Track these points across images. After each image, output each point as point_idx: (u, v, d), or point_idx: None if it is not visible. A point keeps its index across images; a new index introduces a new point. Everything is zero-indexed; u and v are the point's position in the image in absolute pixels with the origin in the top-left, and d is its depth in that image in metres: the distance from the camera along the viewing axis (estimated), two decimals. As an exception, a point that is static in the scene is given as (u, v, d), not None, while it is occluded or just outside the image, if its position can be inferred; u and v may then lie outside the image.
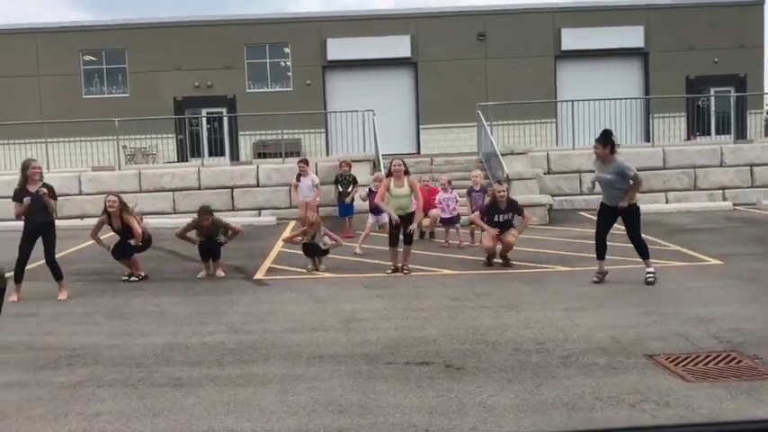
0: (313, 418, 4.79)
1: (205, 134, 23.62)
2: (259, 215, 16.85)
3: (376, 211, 12.37)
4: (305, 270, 10.23)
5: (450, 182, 12.74)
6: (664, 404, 4.87)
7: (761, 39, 25.40)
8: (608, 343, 6.29)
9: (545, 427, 4.54)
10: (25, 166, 8.87)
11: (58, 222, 9.15)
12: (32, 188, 8.69)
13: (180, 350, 6.46)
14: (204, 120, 23.82)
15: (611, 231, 9.01)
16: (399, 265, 9.88)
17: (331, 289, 9.01)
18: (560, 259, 10.57)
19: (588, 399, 5.00)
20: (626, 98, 20.04)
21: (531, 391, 5.16)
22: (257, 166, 17.54)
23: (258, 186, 17.15)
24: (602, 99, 18.47)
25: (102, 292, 9.28)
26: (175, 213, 16.47)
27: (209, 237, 10.10)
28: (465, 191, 12.90)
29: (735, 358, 5.79)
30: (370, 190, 12.73)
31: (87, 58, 25.52)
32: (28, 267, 8.91)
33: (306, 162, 14.05)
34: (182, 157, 23.27)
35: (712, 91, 24.12)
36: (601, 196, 8.97)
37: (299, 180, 13.97)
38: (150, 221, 12.12)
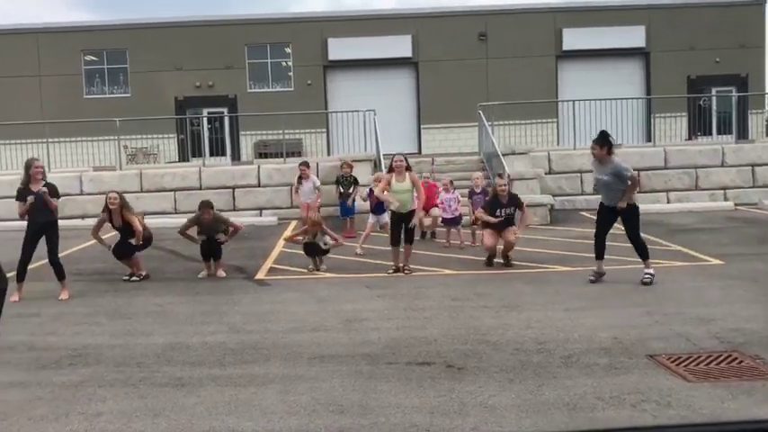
0: (314, 418, 4.79)
1: (206, 134, 23.62)
2: (260, 215, 16.86)
3: (377, 210, 12.38)
4: (306, 270, 10.23)
5: (452, 182, 12.73)
6: (665, 404, 4.87)
7: (762, 38, 25.38)
8: (609, 343, 6.29)
9: (546, 427, 4.54)
10: (28, 166, 8.91)
11: (59, 222, 9.16)
12: (35, 187, 8.72)
13: (181, 350, 6.46)
14: (205, 120, 23.81)
15: (612, 231, 9.01)
16: (401, 265, 9.88)
17: (332, 289, 9.01)
18: (561, 259, 10.57)
19: (589, 399, 4.99)
20: (627, 98, 20.02)
21: (533, 392, 5.15)
22: (258, 166, 17.55)
23: (259, 186, 17.16)
24: (604, 99, 18.46)
25: (103, 291, 9.28)
26: (177, 213, 16.47)
27: (210, 236, 10.11)
28: (466, 192, 12.89)
29: (736, 358, 5.79)
30: (370, 190, 12.73)
31: (88, 58, 25.54)
32: (30, 267, 8.92)
33: (307, 165, 14.06)
34: (183, 157, 23.29)
35: (714, 91, 24.10)
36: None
37: (300, 183, 13.98)
38: (151, 221, 12.13)
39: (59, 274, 8.87)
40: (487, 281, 9.33)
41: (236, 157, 23.62)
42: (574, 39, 25.08)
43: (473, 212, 12.11)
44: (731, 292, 8.17)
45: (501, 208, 10.04)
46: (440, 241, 12.55)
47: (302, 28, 25.17)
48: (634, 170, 17.44)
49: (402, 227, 9.77)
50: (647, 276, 8.60)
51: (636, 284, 8.55)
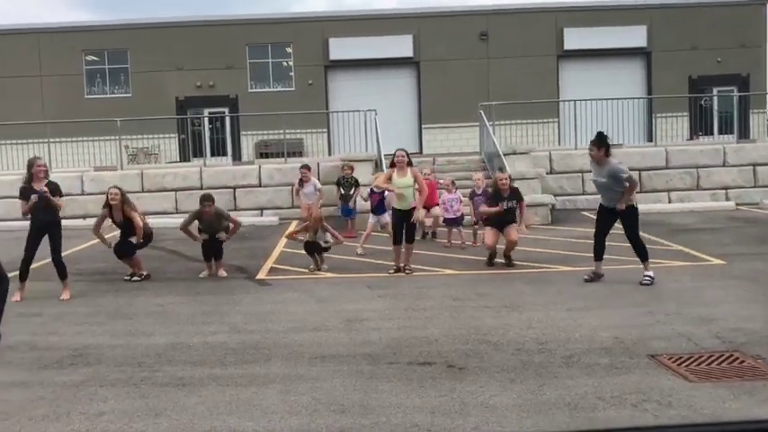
0: (315, 417, 4.79)
1: (207, 134, 23.62)
2: (261, 215, 16.85)
3: (377, 211, 12.38)
4: (307, 270, 10.24)
5: (453, 182, 12.72)
6: (666, 404, 4.87)
7: (764, 38, 25.35)
8: (611, 343, 6.29)
9: (547, 427, 4.54)
10: (30, 164, 8.94)
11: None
12: (38, 186, 8.76)
13: (182, 350, 6.47)
14: (206, 120, 23.82)
15: (612, 231, 9.00)
16: (402, 264, 9.87)
17: (333, 289, 9.01)
18: (563, 259, 10.56)
19: (591, 399, 4.99)
20: (629, 98, 19.99)
21: (534, 392, 5.15)
22: (259, 166, 17.55)
23: (260, 186, 17.16)
24: (605, 99, 18.44)
25: (104, 291, 9.29)
26: (178, 213, 16.46)
27: (211, 234, 10.09)
28: (468, 192, 12.88)
29: (737, 358, 5.78)
30: (371, 190, 12.73)
31: (89, 58, 25.54)
32: (32, 267, 8.93)
33: (308, 168, 14.08)
34: (184, 157, 23.28)
35: (715, 90, 24.06)
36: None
37: (301, 186, 14.00)
38: (153, 221, 12.11)
39: (61, 273, 8.88)
40: (489, 281, 9.32)
41: (237, 157, 23.61)
42: (575, 38, 25.06)
43: (474, 213, 12.11)
44: (732, 292, 8.17)
45: (502, 201, 10.03)
46: (441, 241, 12.55)
47: (303, 28, 25.17)
48: (634, 170, 17.55)
49: (404, 225, 9.74)
50: (646, 278, 8.59)
51: (637, 285, 8.55)
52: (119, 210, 9.67)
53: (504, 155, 15.86)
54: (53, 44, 24.79)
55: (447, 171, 15.76)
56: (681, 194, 17.40)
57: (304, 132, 22.72)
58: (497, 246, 10.19)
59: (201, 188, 16.86)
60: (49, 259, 9.01)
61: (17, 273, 8.69)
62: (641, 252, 8.73)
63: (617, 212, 8.70)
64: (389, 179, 9.80)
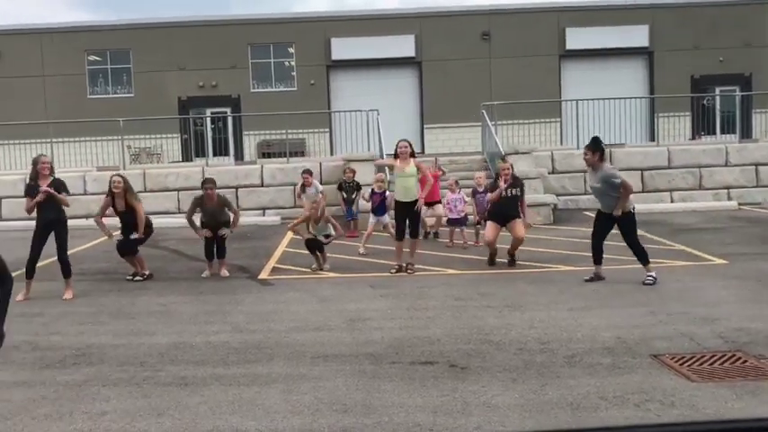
0: (317, 417, 4.79)
1: (209, 134, 23.65)
2: (263, 215, 16.86)
3: (378, 211, 12.40)
4: (309, 270, 10.24)
5: (457, 182, 12.71)
6: (669, 404, 4.86)
7: (766, 38, 25.31)
8: (613, 343, 6.28)
9: (549, 427, 4.54)
10: (35, 162, 9.03)
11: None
12: (43, 183, 8.82)
13: (185, 349, 6.47)
14: (209, 119, 23.84)
15: (612, 231, 8.98)
16: (404, 264, 9.86)
17: (335, 288, 9.02)
18: (565, 259, 10.56)
19: (593, 398, 4.99)
20: (631, 97, 19.97)
21: (536, 391, 5.15)
22: (261, 166, 17.56)
23: (262, 186, 17.17)
24: (607, 98, 18.44)
25: (107, 291, 9.30)
26: (180, 213, 16.45)
27: (214, 228, 10.05)
28: (470, 191, 12.88)
29: (740, 358, 5.78)
30: (372, 191, 12.76)
31: (92, 58, 25.57)
32: (36, 265, 8.94)
33: (309, 173, 14.12)
34: (186, 157, 23.28)
35: (717, 90, 24.02)
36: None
37: (303, 190, 14.05)
38: (155, 221, 12.13)
39: (66, 271, 8.89)
40: (491, 281, 9.32)
41: (239, 156, 23.63)
42: (577, 38, 25.03)
43: (476, 212, 12.09)
44: (735, 292, 8.16)
45: (506, 189, 9.98)
46: (443, 241, 12.55)
47: (305, 28, 25.17)
48: (637, 170, 17.56)
49: (407, 219, 9.69)
50: (648, 279, 8.58)
51: (639, 284, 8.54)
52: (121, 198, 9.66)
53: (506, 155, 15.84)
54: (56, 44, 24.81)
55: (449, 171, 15.74)
56: (683, 194, 17.38)
57: (306, 132, 22.71)
58: (500, 245, 10.18)
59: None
60: (53, 259, 9.03)
61: (22, 271, 8.72)
62: (641, 256, 8.72)
63: (614, 218, 8.70)
64: (392, 167, 9.76)
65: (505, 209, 9.96)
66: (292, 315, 7.67)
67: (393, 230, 10.64)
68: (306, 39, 25.07)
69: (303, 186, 14.03)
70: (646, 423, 3.98)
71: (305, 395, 5.19)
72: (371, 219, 12.43)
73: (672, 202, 17.23)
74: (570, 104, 20.03)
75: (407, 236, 9.89)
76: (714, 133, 22.08)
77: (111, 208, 9.85)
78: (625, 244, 8.88)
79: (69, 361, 6.21)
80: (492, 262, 10.19)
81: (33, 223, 9.07)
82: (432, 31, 25.08)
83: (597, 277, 8.87)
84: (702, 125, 22.00)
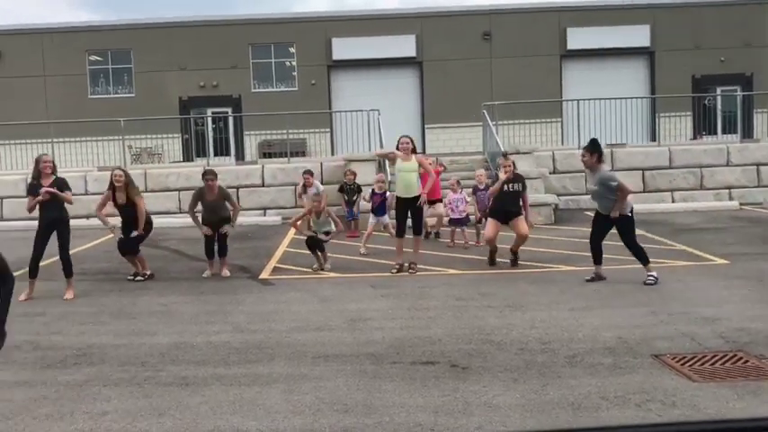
0: (318, 417, 4.79)
1: (210, 134, 23.66)
2: (264, 215, 16.87)
3: (378, 212, 12.40)
4: (310, 270, 10.24)
5: (458, 182, 12.70)
6: (670, 404, 4.86)
7: (767, 37, 25.29)
8: (614, 343, 6.28)
9: (550, 427, 4.53)
10: (37, 161, 9.05)
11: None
12: (45, 182, 8.85)
13: (186, 349, 6.47)
14: (209, 119, 23.85)
15: (612, 231, 8.97)
16: (406, 264, 9.84)
17: (336, 288, 9.02)
18: (566, 259, 10.55)
19: (594, 398, 4.99)
20: (632, 97, 19.97)
21: (537, 391, 5.15)
22: (262, 166, 17.57)
23: (263, 186, 17.18)
24: (608, 98, 18.43)
25: (108, 291, 9.30)
26: (181, 213, 16.49)
27: (215, 225, 10.02)
28: (471, 190, 12.88)
29: (741, 358, 5.77)
30: (373, 191, 12.76)
31: (93, 58, 25.59)
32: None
33: (310, 173, 14.16)
34: (187, 157, 23.30)
35: (718, 90, 24.03)
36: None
37: (304, 191, 14.09)
38: (156, 221, 12.14)
39: (67, 271, 8.89)
40: (492, 281, 9.32)
41: (240, 156, 23.64)
42: (578, 38, 25.03)
43: (477, 209, 12.10)
44: (736, 292, 8.15)
45: (508, 183, 9.94)
46: (444, 241, 12.54)
47: (306, 28, 25.18)
48: (638, 170, 17.55)
49: (408, 215, 9.66)
50: (650, 279, 8.57)
51: (640, 284, 8.53)
52: (122, 191, 9.66)
53: (508, 153, 15.83)
54: (57, 44, 24.83)
55: (450, 171, 15.74)
56: (684, 194, 17.38)
57: (307, 132, 22.72)
58: (501, 245, 10.17)
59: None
60: (54, 258, 9.03)
61: (25, 270, 8.74)
62: (641, 257, 8.71)
63: (612, 220, 8.69)
64: (393, 160, 9.73)
65: (507, 204, 9.91)
66: (293, 315, 7.67)
67: (393, 230, 10.64)
68: (306, 39, 25.08)
69: (304, 187, 14.07)
70: (647, 423, 3.99)
71: (306, 395, 5.19)
72: (371, 219, 12.44)
73: (673, 202, 17.23)
74: (571, 104, 20.02)
75: (410, 233, 9.87)
76: (715, 133, 22.08)
77: (111, 202, 9.85)
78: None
79: (70, 361, 6.21)
80: (492, 261, 10.16)
81: (34, 223, 9.08)
82: (432, 31, 25.08)
83: (598, 277, 8.87)
84: (704, 125, 21.99)
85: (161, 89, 24.42)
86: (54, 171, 9.03)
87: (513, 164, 10.38)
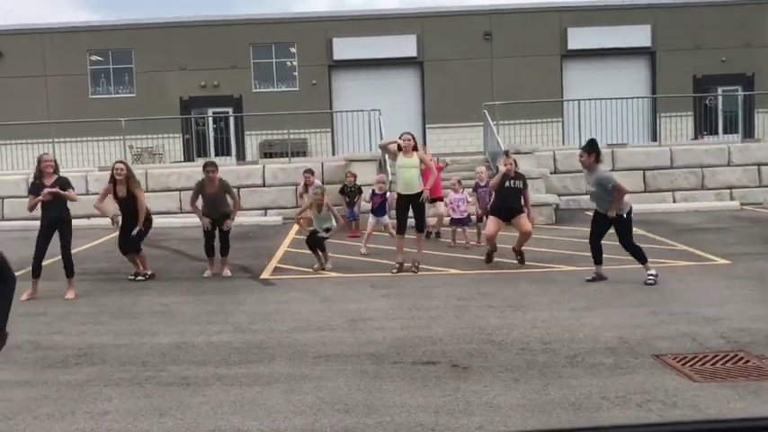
0: (319, 417, 4.79)
1: (211, 134, 23.66)
2: (265, 215, 16.88)
3: (378, 212, 12.40)
4: (311, 270, 10.24)
5: (460, 182, 12.70)
6: (671, 404, 4.86)
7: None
8: (615, 343, 6.28)
9: (551, 427, 4.53)
10: (39, 160, 9.08)
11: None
12: (47, 181, 8.88)
13: (187, 349, 6.47)
14: (210, 119, 23.85)
15: (611, 232, 8.96)
16: (408, 264, 9.81)
17: (337, 288, 9.02)
18: (567, 259, 10.55)
19: (595, 398, 4.98)
20: (633, 97, 19.97)
21: (538, 391, 5.15)
22: (263, 166, 17.58)
23: (264, 186, 17.18)
24: (609, 98, 18.43)
25: (108, 291, 9.31)
26: (182, 213, 16.51)
27: (215, 217, 10.00)
28: (471, 189, 12.87)
29: (742, 358, 5.77)
30: (373, 191, 12.77)
31: (94, 58, 25.59)
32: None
33: (311, 172, 14.19)
34: (188, 157, 23.30)
35: (720, 90, 24.01)
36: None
37: (306, 190, 14.11)
38: (157, 221, 12.14)
39: (69, 270, 8.90)
40: (493, 280, 9.31)
41: (241, 156, 23.64)
42: (579, 38, 25.01)
43: (478, 206, 12.10)
44: (737, 292, 8.15)
45: (509, 180, 9.92)
46: (445, 241, 12.54)
47: (307, 28, 25.18)
48: (639, 170, 17.54)
49: (408, 212, 9.64)
50: (650, 278, 8.57)
51: (641, 284, 8.53)
52: (123, 185, 9.67)
53: (509, 151, 15.83)
54: (57, 44, 24.84)
55: (451, 171, 15.74)
56: (685, 194, 17.37)
57: (308, 132, 22.72)
58: (501, 245, 10.16)
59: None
60: (55, 258, 9.04)
61: (27, 270, 8.74)
62: (638, 256, 8.72)
63: (610, 219, 8.70)
64: (395, 154, 9.72)
65: (509, 202, 9.89)
66: (294, 315, 7.67)
67: (393, 230, 10.63)
68: (307, 39, 25.08)
69: (305, 186, 14.09)
70: (648, 423, 3.99)
71: (307, 395, 5.19)
72: (371, 219, 12.44)
73: (674, 202, 17.22)
74: (572, 104, 20.02)
75: (412, 230, 9.85)
76: (716, 133, 22.05)
77: (111, 196, 9.85)
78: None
79: (71, 361, 6.21)
80: (489, 260, 10.16)
81: (35, 223, 9.10)
82: (433, 31, 25.08)
83: (599, 277, 8.86)
84: (705, 125, 21.97)
85: (162, 89, 24.43)
86: (56, 170, 9.05)
87: (515, 162, 10.37)
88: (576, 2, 25.77)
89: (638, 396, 5.00)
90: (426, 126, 25.42)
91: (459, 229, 12.22)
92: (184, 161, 22.49)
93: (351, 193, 14.31)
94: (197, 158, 22.21)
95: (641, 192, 17.06)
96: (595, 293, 8.28)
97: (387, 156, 12.28)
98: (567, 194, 16.95)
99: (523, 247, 10.12)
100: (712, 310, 7.31)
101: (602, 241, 8.93)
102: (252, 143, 24.30)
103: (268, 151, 22.75)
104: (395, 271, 9.79)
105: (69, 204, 8.98)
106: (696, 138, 22.10)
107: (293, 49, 25.52)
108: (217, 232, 10.12)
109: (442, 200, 12.62)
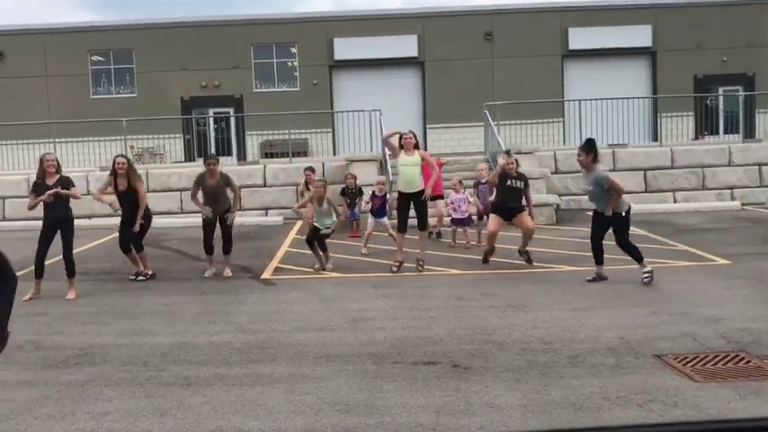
0: (320, 417, 4.79)
1: (212, 134, 23.65)
2: (266, 215, 16.88)
3: (377, 214, 12.40)
4: (312, 270, 10.24)
5: (461, 182, 12.70)
6: (672, 404, 4.86)
7: (769, 37, 25.29)
8: (616, 343, 6.27)
9: (552, 427, 4.53)
10: (41, 160, 9.11)
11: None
12: (50, 181, 8.90)
13: (187, 349, 6.48)
14: (211, 120, 23.85)
15: (610, 232, 8.96)
16: (409, 264, 9.81)
17: (338, 288, 9.02)
18: (568, 259, 10.55)
19: (596, 399, 4.98)
20: (634, 97, 19.97)
21: (539, 391, 5.15)
22: (264, 166, 17.58)
23: (265, 186, 17.19)
24: (610, 98, 18.43)
25: (110, 291, 9.31)
26: (183, 213, 16.53)
27: (217, 210, 10.00)
28: (472, 186, 12.88)
29: (743, 358, 5.77)
30: (373, 193, 12.77)
31: (95, 58, 25.60)
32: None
33: (312, 170, 14.19)
34: (189, 157, 23.30)
35: (720, 90, 24.00)
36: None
37: (307, 188, 14.11)
38: (158, 221, 12.16)
39: (70, 270, 8.90)
40: (493, 281, 9.31)
41: (241, 156, 23.64)
42: (580, 38, 25.01)
43: (479, 203, 12.09)
44: (738, 292, 8.14)
45: (511, 179, 9.91)
46: (446, 241, 12.54)
47: (308, 28, 25.18)
48: (639, 170, 17.53)
49: (409, 210, 9.63)
50: (645, 276, 8.58)
51: (641, 284, 8.53)
52: (124, 178, 9.68)
53: (510, 151, 15.84)
54: (59, 45, 24.85)
55: (452, 171, 15.75)
56: (686, 194, 17.37)
57: (309, 132, 22.73)
58: (499, 245, 10.15)
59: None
60: (56, 258, 9.04)
61: (29, 270, 8.75)
62: (634, 255, 8.73)
63: (608, 219, 8.69)
64: (397, 150, 9.71)
65: (510, 201, 9.90)
66: (295, 315, 7.67)
67: (393, 231, 10.63)
68: (308, 39, 25.08)
69: (306, 184, 14.09)
70: (649, 423, 4.00)
71: (307, 395, 5.19)
72: (370, 220, 12.44)
73: (675, 202, 17.22)
74: (573, 104, 20.02)
75: (414, 229, 9.84)
76: (717, 133, 22.03)
77: (111, 188, 9.88)
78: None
79: (72, 361, 6.21)
80: (486, 261, 10.15)
81: (36, 223, 9.11)
82: (434, 31, 25.07)
83: (600, 277, 8.87)
84: (705, 125, 21.96)
85: (163, 89, 24.44)
86: (58, 170, 9.08)
87: (517, 162, 10.38)
88: (578, 2, 25.76)
89: (638, 396, 5.00)
90: (427, 126, 25.41)
91: (459, 230, 12.22)
92: (185, 161, 22.50)
93: (351, 194, 14.34)
94: (198, 159, 22.21)
95: (642, 192, 17.07)
96: (596, 294, 8.27)
97: (388, 153, 12.27)
98: (567, 195, 16.95)
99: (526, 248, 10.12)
100: (713, 310, 7.31)
101: (605, 241, 8.94)
102: (253, 143, 24.31)
103: (269, 151, 22.75)
104: (395, 269, 9.79)
105: (72, 203, 8.99)
106: (697, 138, 22.08)
107: (294, 49, 25.52)
108: (218, 228, 10.10)
109: (442, 198, 12.61)
